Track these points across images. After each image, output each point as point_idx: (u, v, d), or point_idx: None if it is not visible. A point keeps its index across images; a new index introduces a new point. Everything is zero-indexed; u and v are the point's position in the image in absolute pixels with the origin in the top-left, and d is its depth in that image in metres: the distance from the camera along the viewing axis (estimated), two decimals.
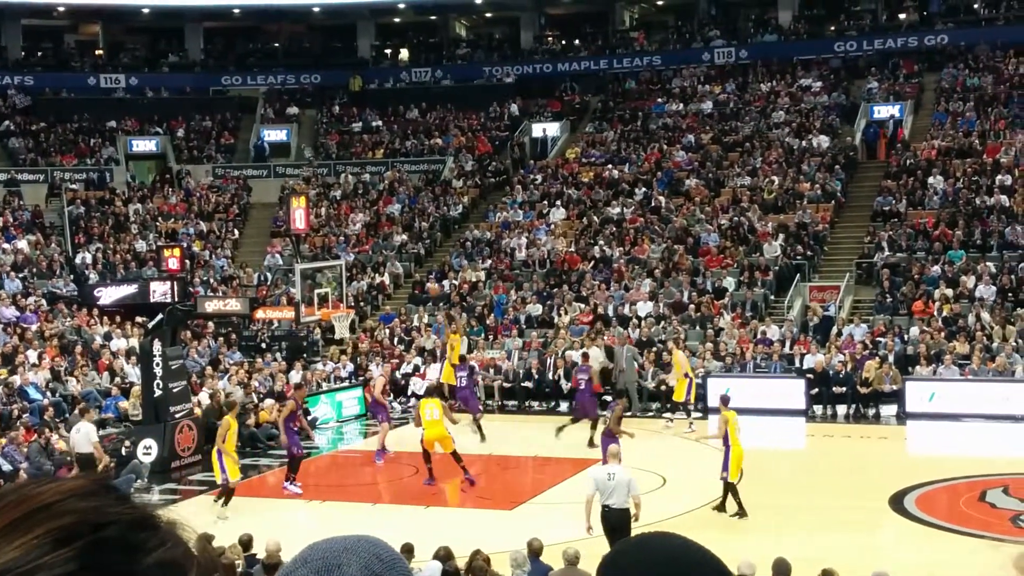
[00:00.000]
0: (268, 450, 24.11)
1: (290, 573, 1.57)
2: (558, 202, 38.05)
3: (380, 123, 46.57)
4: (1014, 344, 26.72)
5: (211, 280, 35.24)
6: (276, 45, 52.39)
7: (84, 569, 1.17)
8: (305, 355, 31.26)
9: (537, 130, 44.40)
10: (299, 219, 24.89)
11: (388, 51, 52.57)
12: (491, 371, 29.27)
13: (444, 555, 12.46)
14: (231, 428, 18.81)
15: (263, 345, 31.59)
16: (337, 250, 36.47)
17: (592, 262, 34.15)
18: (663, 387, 27.10)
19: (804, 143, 38.54)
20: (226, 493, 18.59)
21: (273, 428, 24.91)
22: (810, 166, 36.91)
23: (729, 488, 17.40)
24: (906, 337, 28.06)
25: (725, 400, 18.54)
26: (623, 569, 1.69)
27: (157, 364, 22.66)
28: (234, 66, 50.27)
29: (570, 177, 39.73)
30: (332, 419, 27.42)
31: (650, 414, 26.89)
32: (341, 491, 20.68)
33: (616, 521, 14.12)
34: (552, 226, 36.80)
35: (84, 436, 20.73)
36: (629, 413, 26.66)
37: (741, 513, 17.20)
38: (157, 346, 22.75)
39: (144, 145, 46.14)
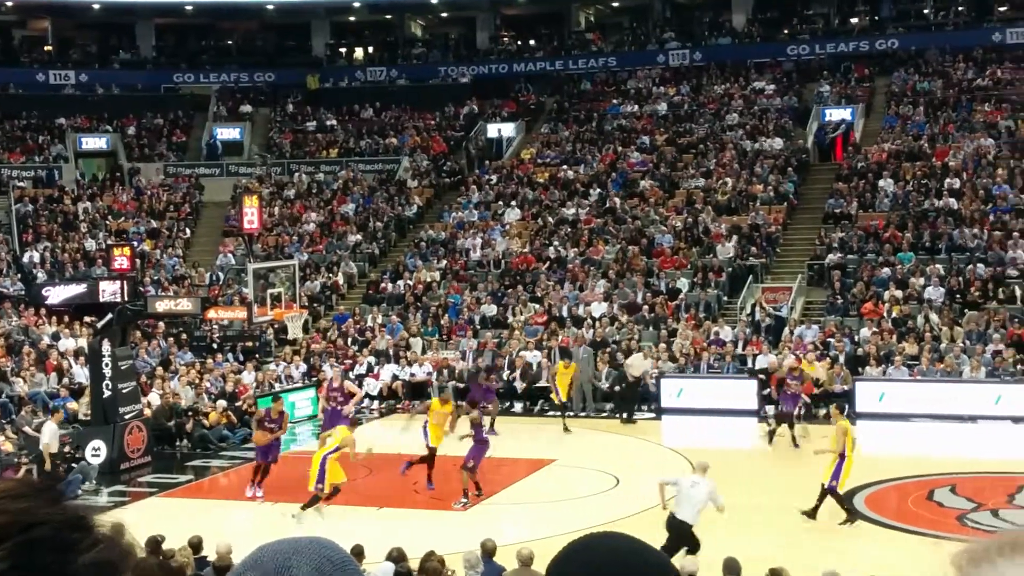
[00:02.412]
0: (219, 451, 23.93)
1: (240, 575, 1.55)
2: (513, 202, 38.06)
3: (335, 122, 46.40)
4: (962, 345, 27.03)
5: (162, 280, 34.94)
6: (229, 43, 52.07)
7: (15, 568, 1.15)
8: (258, 355, 31.03)
9: (492, 130, 44.38)
10: (252, 218, 24.73)
11: (343, 50, 52.40)
12: (445, 372, 29.21)
13: (397, 556, 12.42)
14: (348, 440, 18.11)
15: (215, 345, 31.32)
16: (290, 250, 36.27)
17: (547, 263, 34.19)
18: (617, 388, 27.16)
19: (757, 145, 38.81)
20: (313, 500, 17.94)
21: (225, 429, 24.77)
22: (763, 168, 37.17)
23: (833, 495, 16.74)
24: (856, 338, 28.30)
25: (842, 408, 18.28)
26: (571, 570, 1.70)
27: (106, 365, 22.41)
28: (186, 63, 49.89)
29: (525, 178, 39.76)
30: None
31: (603, 414, 26.93)
32: (293, 493, 20.51)
33: (681, 533, 13.76)
34: (507, 226, 36.80)
35: (52, 436, 20.78)
36: (584, 413, 26.80)
37: (851, 519, 16.58)
38: (106, 346, 22.50)
39: (94, 143, 45.66)
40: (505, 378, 28.45)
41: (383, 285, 34.94)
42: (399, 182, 41.65)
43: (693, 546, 13.62)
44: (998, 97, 38.80)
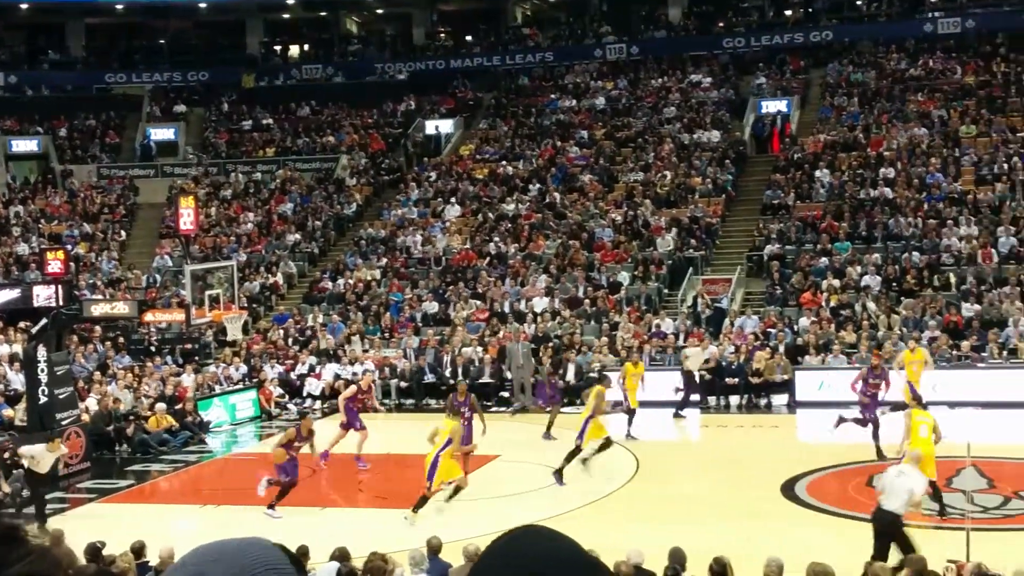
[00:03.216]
0: (159, 455, 23.65)
1: None
2: (453, 199, 37.99)
3: (271, 121, 46.04)
4: (899, 332, 27.36)
5: (97, 283, 34.46)
6: (162, 42, 51.44)
7: None
8: (197, 358, 30.70)
9: (430, 127, 44.26)
10: (188, 219, 24.45)
11: (278, 48, 51.98)
12: (387, 370, 29.08)
13: (340, 555, 12.32)
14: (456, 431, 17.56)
15: (153, 348, 30.95)
16: (228, 250, 35.94)
17: (487, 259, 34.16)
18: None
19: (695, 138, 39.03)
20: (422, 500, 17.15)
21: (165, 433, 24.47)
22: (701, 161, 37.40)
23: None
24: (795, 328, 28.56)
25: (917, 398, 18.16)
26: (495, 567, 1.70)
27: (42, 370, 22.02)
28: (118, 63, 49.27)
29: (464, 174, 39.70)
30: (226, 422, 27.00)
31: (517, 408, 26.88)
32: (237, 495, 20.31)
33: (884, 524, 13.13)
34: (447, 223, 36.72)
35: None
36: (521, 408, 26.77)
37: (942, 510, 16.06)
38: (42, 352, 22.12)
39: (24, 145, 44.97)
40: (447, 375, 28.39)
41: (323, 284, 34.73)
42: (337, 180, 41.41)
43: (903, 543, 12.60)
44: (931, 87, 39.32)
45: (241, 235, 37.94)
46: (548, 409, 24.10)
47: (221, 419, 26.88)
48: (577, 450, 19.02)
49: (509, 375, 28.03)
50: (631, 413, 23.09)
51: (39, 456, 18.21)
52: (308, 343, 30.95)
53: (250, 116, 46.50)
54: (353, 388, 22.23)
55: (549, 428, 23.19)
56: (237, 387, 28.44)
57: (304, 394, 29.01)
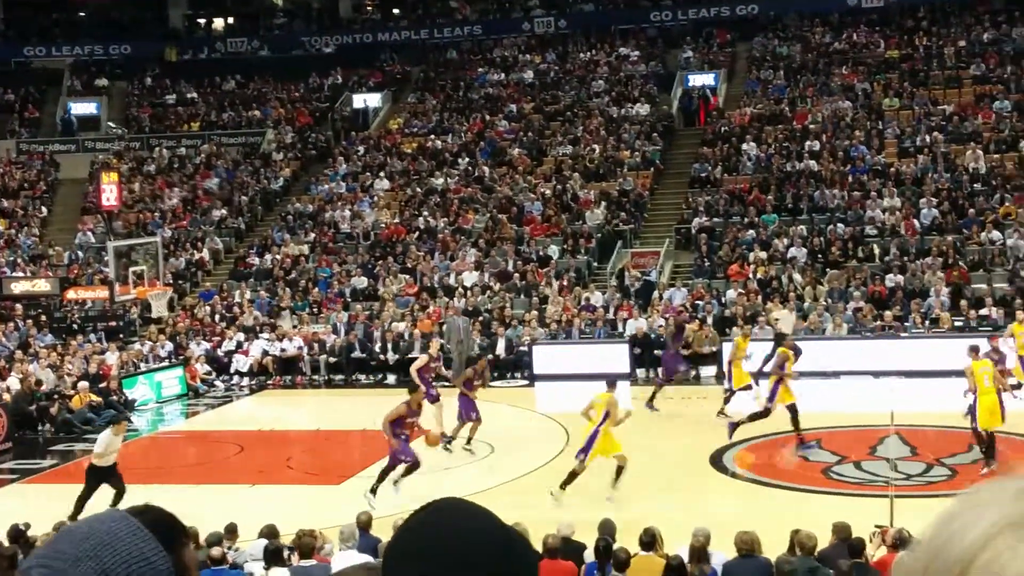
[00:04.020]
0: (83, 435, 23.28)
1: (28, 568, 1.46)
2: (381, 173, 37.74)
3: (195, 95, 45.37)
4: (825, 303, 27.70)
5: (18, 260, 33.78)
6: (82, 15, 50.39)
7: None
8: (121, 335, 30.26)
9: (358, 101, 43.89)
10: (111, 195, 24.06)
11: (202, 21, 51.14)
12: (316, 346, 28.88)
13: (268, 533, 12.22)
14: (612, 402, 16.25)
15: (76, 326, 30.43)
16: (152, 227, 35.42)
17: (417, 233, 34.01)
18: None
19: (623, 111, 39.11)
20: (572, 476, 16.00)
21: (89, 411, 24.10)
22: (630, 134, 37.50)
23: (977, 436, 16.78)
24: (723, 299, 28.79)
25: (975, 349, 18.24)
26: (411, 540, 1.67)
27: None
28: (37, 37, 48.16)
29: (393, 148, 39.45)
30: (151, 400, 26.65)
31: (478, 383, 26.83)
32: (164, 474, 20.08)
33: None
34: (376, 198, 36.49)
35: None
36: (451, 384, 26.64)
37: (988, 460, 16.42)
38: None
39: None
40: (377, 350, 28.27)
41: (250, 260, 34.37)
42: (264, 155, 40.96)
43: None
44: (854, 60, 39.74)
45: (165, 211, 37.40)
46: (671, 379, 23.40)
47: (147, 397, 26.52)
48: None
49: (449, 348, 27.76)
50: (732, 393, 21.63)
51: (108, 444, 16.31)
52: (235, 319, 30.63)
53: (174, 90, 45.79)
54: (424, 357, 21.13)
55: (652, 398, 22.53)
56: (163, 365, 28.07)
57: (232, 371, 28.73)
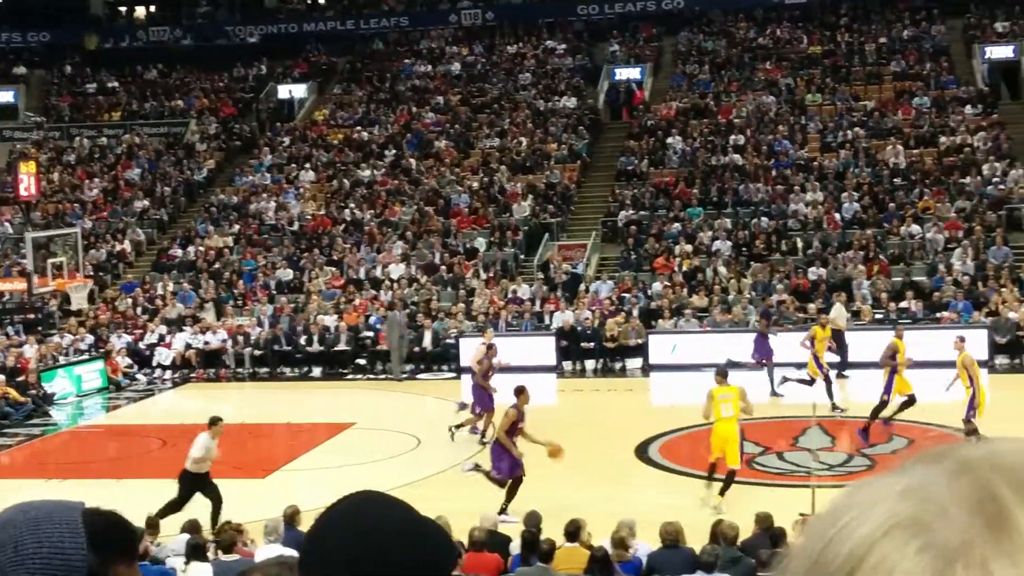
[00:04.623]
0: (1, 429, 22.82)
1: None
2: (307, 165, 37.45)
3: (117, 84, 44.63)
4: (749, 296, 28.00)
5: None
6: None
7: None
8: (40, 328, 29.70)
9: (283, 92, 43.48)
10: (28, 185, 23.59)
11: (123, 9, 50.32)
12: (240, 339, 28.58)
13: (190, 527, 12.08)
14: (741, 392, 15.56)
15: None
16: (72, 217, 34.78)
17: (343, 225, 33.79)
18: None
19: (550, 104, 39.17)
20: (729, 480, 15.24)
21: (8, 406, 23.61)
22: (557, 127, 37.57)
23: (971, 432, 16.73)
24: (649, 292, 28.98)
25: (963, 340, 18.31)
26: (328, 533, 1.67)
27: None
28: None
29: (319, 139, 39.16)
30: (71, 394, 26.19)
31: (404, 376, 26.80)
32: (84, 468, 19.78)
33: None
34: (301, 189, 36.20)
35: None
36: (406, 376, 26.50)
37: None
38: None
39: None
40: (302, 343, 28.07)
41: (173, 252, 33.92)
42: (187, 146, 40.43)
43: None
44: (778, 56, 40.18)
45: (86, 202, 36.77)
46: (764, 363, 22.87)
47: (66, 391, 26.07)
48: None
49: (385, 345, 27.52)
50: (812, 382, 20.98)
51: (208, 449, 15.04)
52: (157, 312, 30.22)
53: (95, 79, 45.02)
54: (482, 348, 20.69)
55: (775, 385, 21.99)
56: (83, 358, 27.59)
57: (154, 364, 28.33)
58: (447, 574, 1.71)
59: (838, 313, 25.11)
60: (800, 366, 21.59)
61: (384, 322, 27.71)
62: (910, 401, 18.55)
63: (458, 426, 19.68)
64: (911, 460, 0.79)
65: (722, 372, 15.82)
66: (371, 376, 27.17)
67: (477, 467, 15.59)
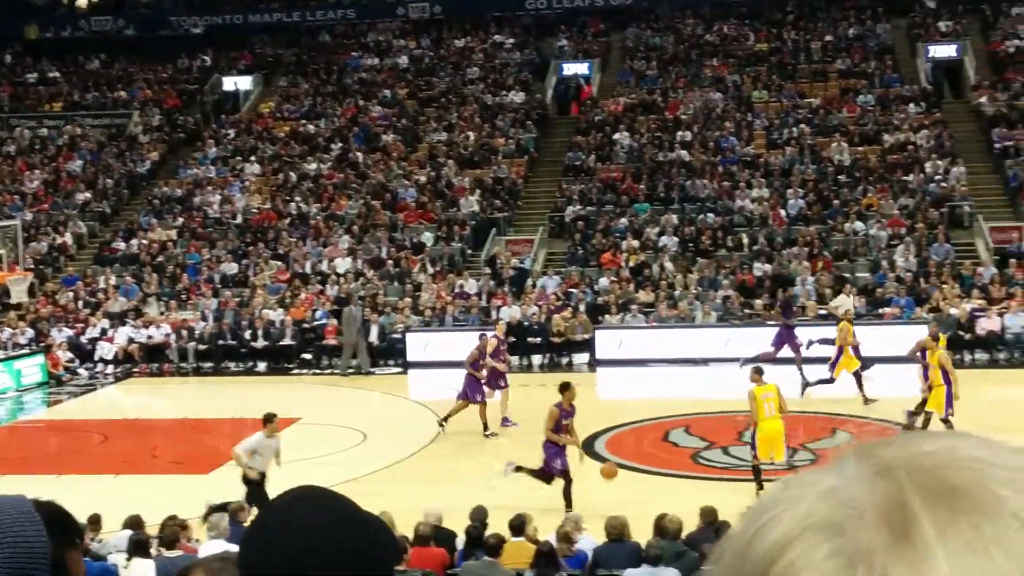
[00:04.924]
0: None
1: None
2: (252, 158, 37.13)
3: (58, 74, 44.01)
4: (695, 292, 28.14)
5: None
6: None
7: None
8: None
9: (228, 83, 43.09)
10: None
11: None
12: (184, 333, 28.30)
13: (132, 523, 11.93)
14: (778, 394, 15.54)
15: None
16: (11, 209, 34.26)
17: (288, 219, 33.55)
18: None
19: (498, 99, 39.12)
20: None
21: None
22: (504, 122, 37.53)
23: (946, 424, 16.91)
24: (596, 287, 29.03)
25: (935, 338, 18.22)
26: (269, 528, 1.65)
27: None
28: None
29: (264, 132, 38.84)
30: (11, 388, 25.82)
31: (337, 371, 26.60)
32: (24, 463, 19.48)
33: None
34: (246, 182, 35.89)
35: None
36: (358, 370, 26.26)
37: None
38: None
39: None
40: (247, 337, 27.84)
41: (115, 245, 33.51)
42: (130, 137, 39.94)
43: None
44: (725, 52, 40.41)
45: (26, 193, 36.23)
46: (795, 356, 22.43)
47: (5, 385, 25.70)
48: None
49: (336, 340, 27.28)
50: (833, 380, 20.87)
51: (258, 446, 14.19)
52: (99, 306, 29.84)
53: (35, 69, 44.35)
54: (494, 341, 20.48)
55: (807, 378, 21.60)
56: (23, 352, 27.19)
57: (96, 358, 27.96)
58: (389, 569, 1.70)
59: (844, 304, 25.29)
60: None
61: (333, 316, 27.54)
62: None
63: (447, 417, 19.61)
64: (842, 457, 0.78)
65: (758, 370, 15.82)
66: (317, 371, 27.02)
67: (519, 468, 15.20)
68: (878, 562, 0.70)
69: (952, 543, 0.70)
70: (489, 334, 21.13)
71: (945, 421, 17.12)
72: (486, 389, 19.94)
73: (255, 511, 12.81)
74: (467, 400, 19.68)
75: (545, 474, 15.01)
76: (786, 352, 22.52)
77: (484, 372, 19.91)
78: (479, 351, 20.17)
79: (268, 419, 14.46)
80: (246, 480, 14.08)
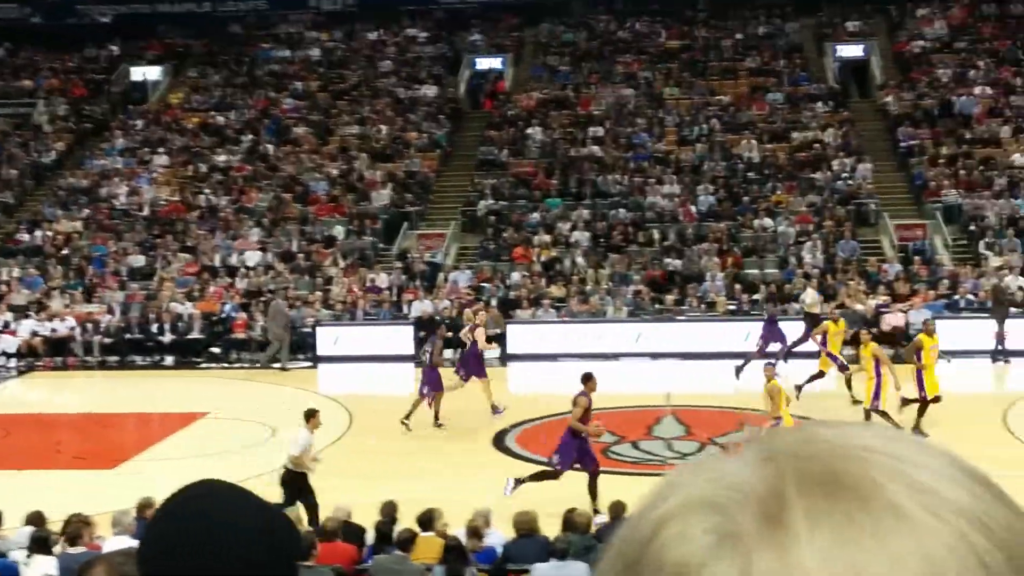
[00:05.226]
0: None
1: None
2: (161, 149, 36.58)
3: None
4: (606, 287, 28.34)
5: None
6: None
7: None
8: None
9: (137, 74, 42.38)
10: None
11: None
12: (90, 326, 27.78)
13: (34, 519, 11.69)
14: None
15: None
16: None
17: (198, 211, 33.12)
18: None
19: (411, 93, 38.99)
20: None
21: None
22: (417, 115, 37.43)
23: (879, 413, 17.10)
24: (508, 282, 29.09)
25: (870, 334, 18.25)
26: (170, 522, 1.63)
27: None
28: None
29: (173, 123, 38.28)
30: None
31: (247, 365, 26.35)
32: None
33: None
34: (155, 174, 35.35)
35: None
36: (280, 366, 25.91)
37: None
38: None
39: None
40: (154, 331, 27.43)
41: (19, 236, 32.79)
42: (34, 127, 39.10)
43: None
44: (637, 49, 40.71)
45: None
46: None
47: None
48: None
49: (265, 331, 26.88)
50: (823, 375, 20.58)
51: (307, 443, 13.86)
52: (1, 298, 29.16)
53: None
54: (481, 331, 20.67)
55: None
56: None
57: None
58: (292, 561, 1.68)
59: (812, 299, 25.39)
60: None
61: (243, 310, 27.25)
62: (934, 400, 17.98)
63: (408, 415, 19.42)
64: (745, 444, 0.79)
65: (772, 365, 16.35)
66: (225, 365, 26.71)
67: (518, 481, 14.83)
68: (745, 544, 0.71)
69: (822, 531, 0.70)
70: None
71: (868, 412, 17.39)
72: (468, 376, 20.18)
73: (302, 511, 12.86)
74: (439, 392, 19.65)
75: (551, 474, 14.85)
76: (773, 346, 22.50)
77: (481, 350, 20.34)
78: (438, 346, 20.39)
79: (311, 414, 14.38)
80: (290, 479, 13.69)
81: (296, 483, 13.65)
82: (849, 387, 20.18)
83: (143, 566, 1.62)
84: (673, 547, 0.72)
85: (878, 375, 17.43)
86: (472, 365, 20.43)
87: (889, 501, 0.71)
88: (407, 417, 19.34)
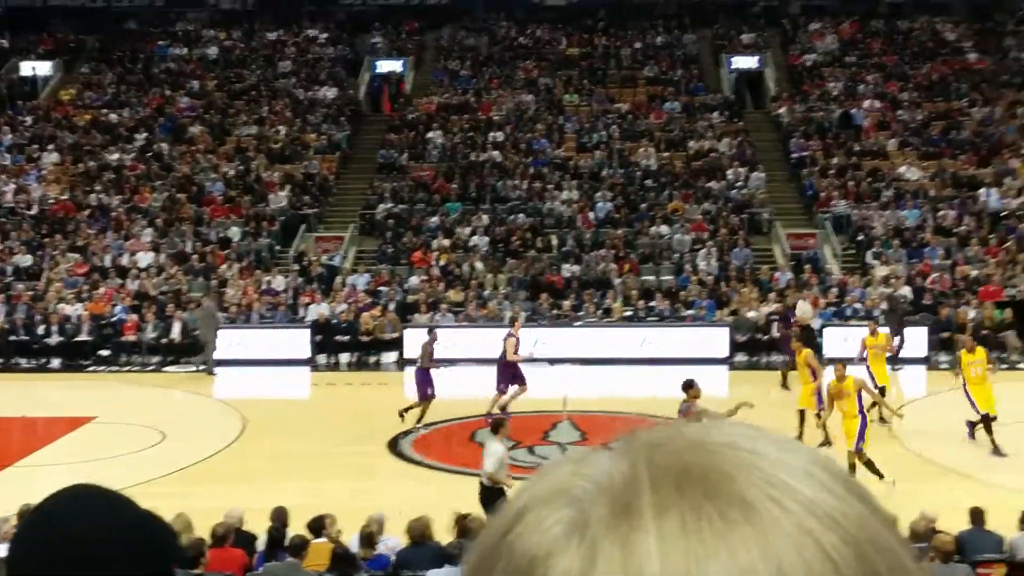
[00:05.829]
0: None
1: None
2: (51, 146, 35.72)
3: None
4: (504, 292, 28.37)
5: None
6: None
7: None
8: None
9: (26, 68, 41.34)
10: None
11: None
12: None
13: None
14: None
15: None
16: None
17: (88, 210, 32.40)
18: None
19: (310, 94, 38.66)
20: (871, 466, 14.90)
21: None
22: (316, 117, 37.12)
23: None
24: (406, 286, 28.97)
25: (801, 340, 18.48)
26: (37, 529, 1.60)
27: None
28: None
29: (64, 120, 37.41)
30: None
31: (136, 368, 25.88)
32: None
33: None
34: (44, 172, 34.49)
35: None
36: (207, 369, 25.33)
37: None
38: None
39: None
40: (40, 333, 26.74)
41: None
42: None
43: None
44: (538, 55, 40.89)
45: None
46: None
47: None
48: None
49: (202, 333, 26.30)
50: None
51: (500, 460, 13.36)
52: None
53: None
54: (512, 340, 20.94)
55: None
56: None
57: None
58: (166, 564, 1.63)
59: (803, 309, 25.42)
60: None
61: (133, 312, 26.71)
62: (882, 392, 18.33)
63: (407, 409, 19.49)
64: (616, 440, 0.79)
65: (844, 365, 16.25)
66: (115, 368, 26.14)
67: None
68: (593, 534, 0.71)
69: (668, 522, 0.70)
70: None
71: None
72: (505, 385, 20.38)
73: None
74: (430, 397, 19.60)
75: None
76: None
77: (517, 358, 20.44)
78: (429, 348, 20.48)
79: (499, 424, 14.27)
80: (492, 498, 12.95)
81: (496, 501, 12.95)
82: (784, 383, 20.97)
83: (11, 568, 1.57)
84: (525, 537, 0.73)
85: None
86: (505, 374, 20.53)
87: (738, 495, 0.71)
88: (418, 421, 19.45)
